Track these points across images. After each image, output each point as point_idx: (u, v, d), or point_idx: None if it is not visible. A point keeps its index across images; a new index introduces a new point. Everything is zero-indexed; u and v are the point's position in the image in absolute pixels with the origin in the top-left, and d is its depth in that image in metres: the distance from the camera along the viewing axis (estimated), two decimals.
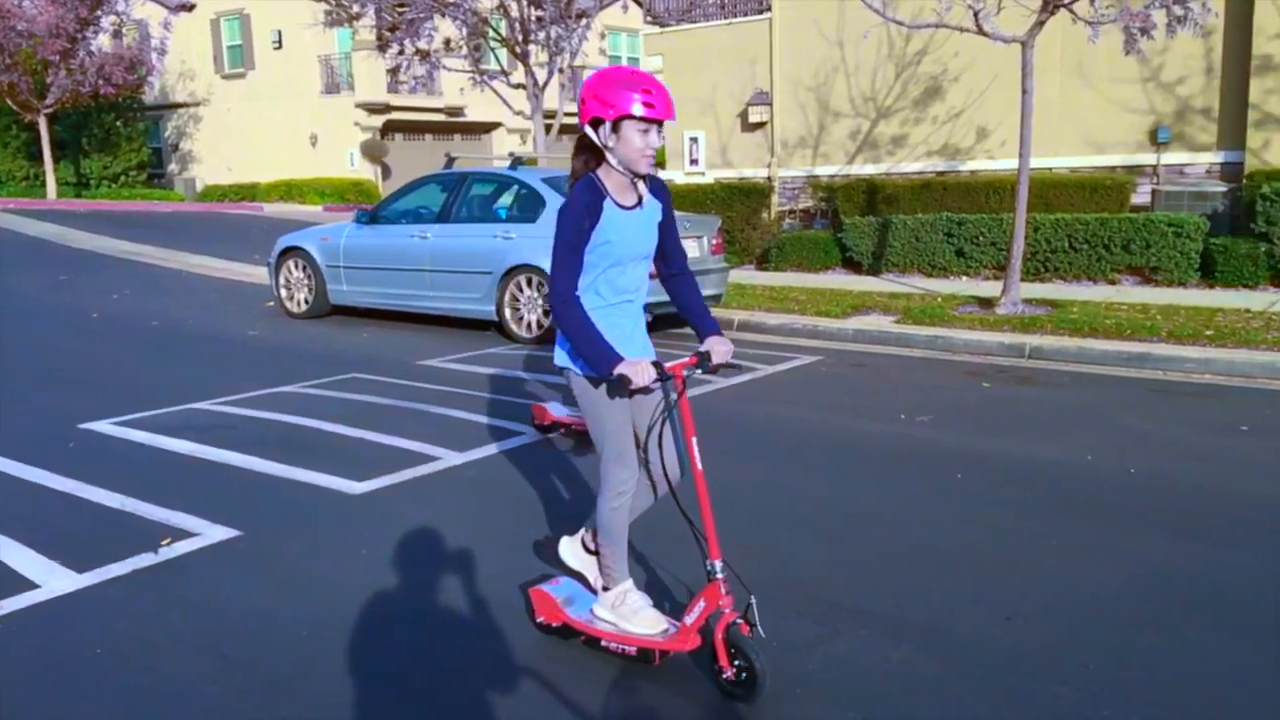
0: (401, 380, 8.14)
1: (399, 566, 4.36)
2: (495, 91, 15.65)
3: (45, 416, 7.06)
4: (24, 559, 4.46)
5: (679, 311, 3.55)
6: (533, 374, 8.36)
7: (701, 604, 3.25)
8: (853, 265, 14.32)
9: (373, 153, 29.80)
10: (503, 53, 16.01)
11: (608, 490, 3.37)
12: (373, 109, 29.50)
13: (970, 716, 3.11)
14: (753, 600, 3.18)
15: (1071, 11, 9.91)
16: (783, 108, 17.11)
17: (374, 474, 5.61)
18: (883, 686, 3.28)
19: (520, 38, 15.35)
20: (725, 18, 18.67)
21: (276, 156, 31.20)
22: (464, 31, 15.63)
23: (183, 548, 4.59)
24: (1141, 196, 13.81)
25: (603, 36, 31.31)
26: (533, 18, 15.45)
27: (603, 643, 3.42)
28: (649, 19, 19.86)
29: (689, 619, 3.28)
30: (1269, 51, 12.84)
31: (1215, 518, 4.80)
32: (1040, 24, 10.00)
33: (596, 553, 3.63)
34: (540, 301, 9.97)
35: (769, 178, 17.19)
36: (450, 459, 5.92)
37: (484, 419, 6.82)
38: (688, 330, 10.70)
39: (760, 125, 17.39)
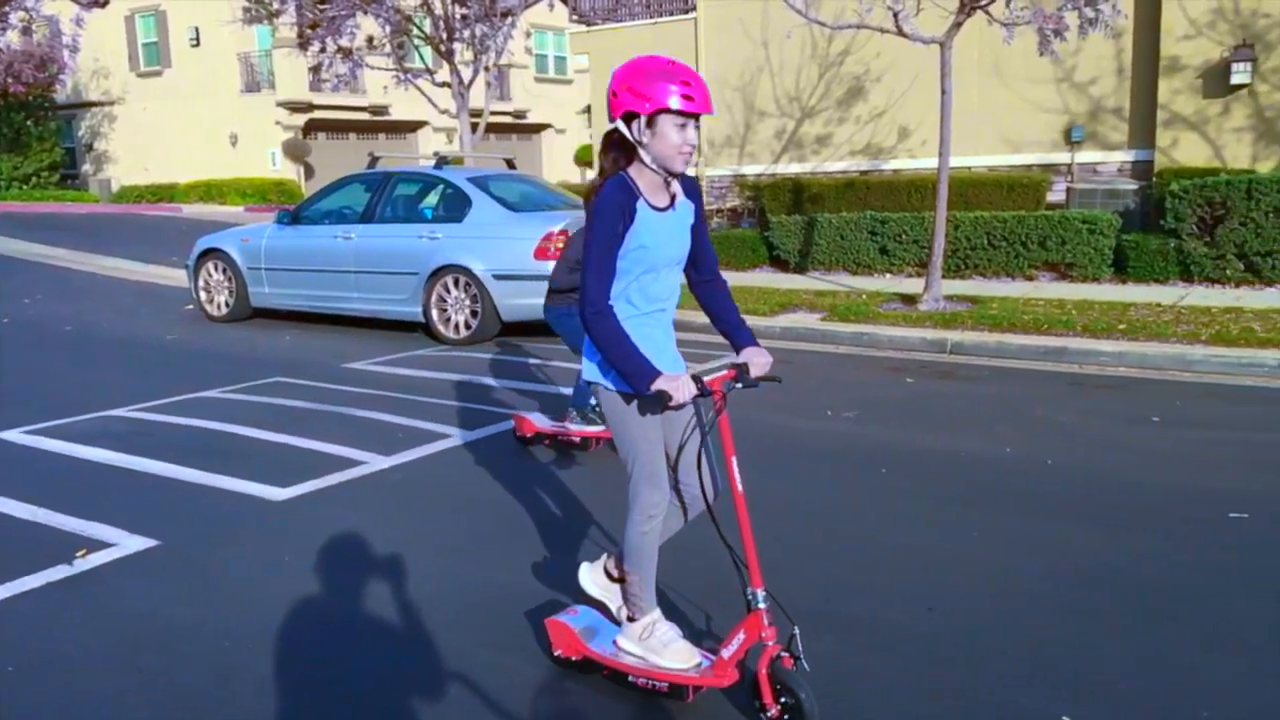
0: (326, 384, 8.02)
1: (324, 573, 4.29)
2: (420, 90, 15.50)
3: None
4: None
5: (712, 321, 3.31)
6: (461, 375, 8.30)
7: (741, 636, 3.03)
8: (780, 263, 14.47)
9: (295, 152, 29.29)
10: (427, 51, 15.86)
11: (637, 513, 3.13)
12: (295, 108, 28.99)
13: (892, 707, 3.17)
14: (796, 631, 2.97)
15: (987, 13, 10.13)
16: None
17: (297, 480, 5.52)
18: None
19: (445, 36, 15.22)
20: (651, 17, 18.73)
21: (195, 156, 30.49)
22: (387, 29, 15.44)
23: (99, 559, 4.47)
24: (1057, 194, 14.18)
25: (528, 35, 31.15)
26: (457, 16, 15.33)
27: (630, 678, 3.20)
28: (575, 18, 19.81)
29: (727, 652, 3.06)
30: (1176, 53, 13.27)
31: (1127, 506, 4.94)
32: (958, 25, 10.20)
33: (621, 580, 3.36)
34: (468, 302, 9.90)
35: (696, 177, 17.26)
36: (376, 463, 5.85)
37: (411, 422, 6.75)
38: None
39: None
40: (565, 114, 36.18)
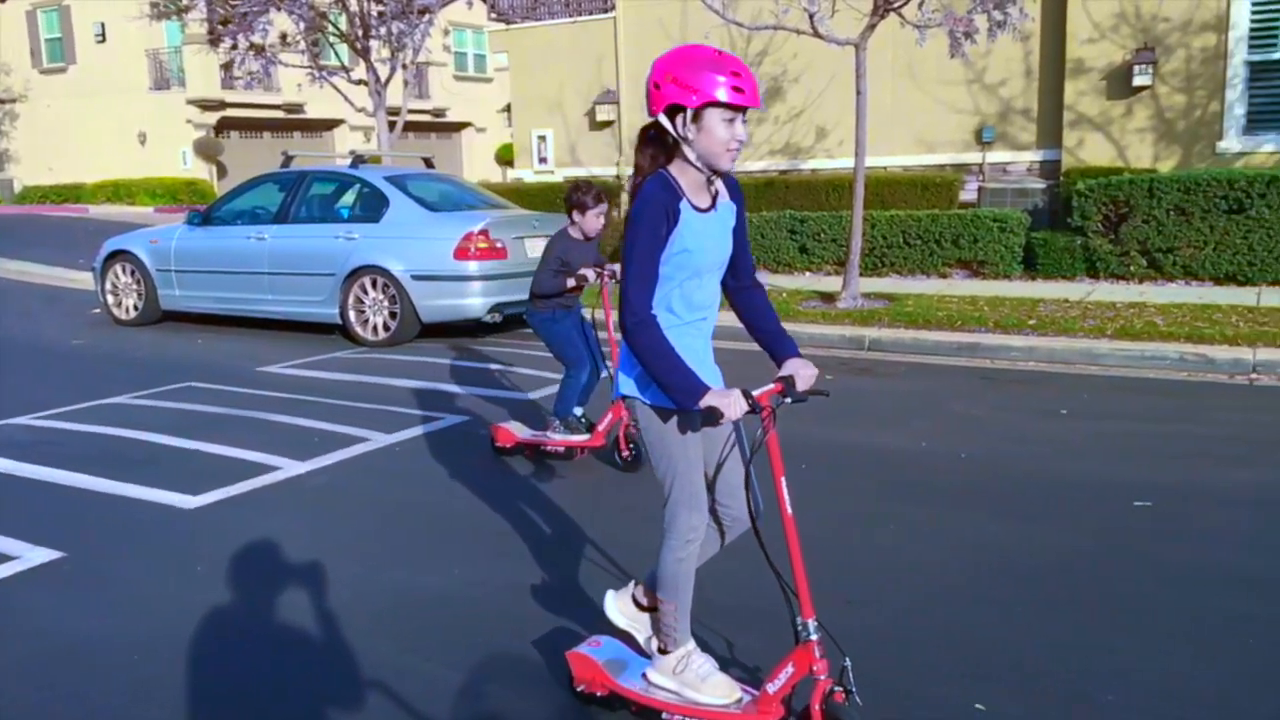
0: (239, 388, 7.85)
1: (238, 583, 4.20)
2: (335, 88, 15.25)
3: None
4: None
5: (749, 330, 3.10)
6: (380, 377, 8.18)
7: (790, 669, 2.81)
8: None
9: (207, 151, 28.58)
10: (343, 48, 15.60)
11: (675, 538, 2.93)
12: (206, 106, 28.29)
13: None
14: (847, 663, 2.77)
15: (900, 15, 10.31)
16: (630, 106, 17.24)
17: (210, 487, 5.39)
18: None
19: (360, 33, 15.00)
20: (571, 16, 18.70)
21: (103, 156, 29.55)
22: (301, 26, 15.16)
23: (1, 573, 4.32)
24: (969, 193, 14.51)
25: (446, 33, 30.80)
26: (373, 13, 15.11)
27: (663, 715, 3.01)
28: (494, 16, 19.70)
29: (772, 686, 2.85)
30: (1081, 55, 13.67)
31: (1037, 497, 5.08)
32: (871, 27, 10.36)
33: (652, 609, 3.16)
34: (386, 303, 9.77)
35: (618, 176, 17.30)
36: (292, 468, 5.74)
37: (328, 426, 6.63)
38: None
39: (608, 124, 17.48)
40: (486, 112, 35.90)
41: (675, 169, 2.81)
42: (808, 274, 13.52)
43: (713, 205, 2.87)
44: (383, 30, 15.20)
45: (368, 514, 5.05)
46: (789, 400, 2.82)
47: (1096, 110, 13.66)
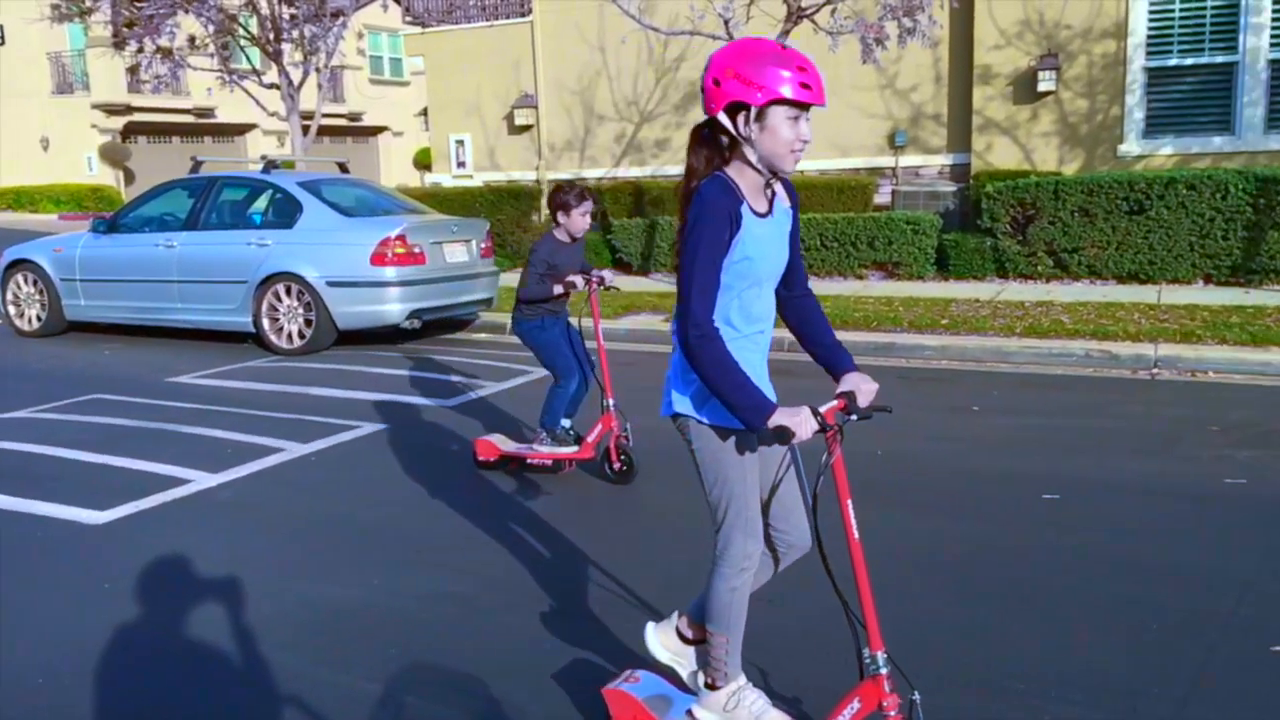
0: (149, 400, 7.64)
1: (148, 600, 4.09)
2: (247, 92, 14.95)
3: None
4: None
5: (802, 343, 2.92)
6: (295, 386, 8.03)
7: (856, 704, 2.63)
8: (623, 265, 14.58)
9: (114, 156, 27.78)
10: (255, 51, 15.30)
11: (728, 566, 2.76)
12: (112, 110, 27.49)
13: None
14: (916, 697, 2.58)
15: (813, 21, 10.48)
16: (549, 110, 17.21)
17: (118, 502, 5.24)
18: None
19: (272, 36, 14.72)
20: (487, 19, 18.59)
21: (3, 162, 28.53)
22: (210, 29, 14.83)
23: None
24: (883, 196, 14.78)
25: (360, 36, 30.49)
26: (285, 16, 14.84)
27: None
28: (409, 19, 19.48)
29: None
30: (988, 62, 14.03)
31: (950, 492, 5.20)
32: (786, 33, 10.51)
33: (698, 642, 2.98)
34: (301, 311, 9.59)
35: (538, 180, 17.25)
36: (203, 481, 5.60)
37: (241, 437, 6.49)
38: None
39: (527, 128, 17.42)
40: (403, 116, 35.52)
41: (733, 171, 2.62)
42: None
43: (770, 210, 2.70)
44: (295, 33, 14.95)
45: (284, 526, 4.95)
46: (854, 418, 2.64)
47: (1004, 115, 14.03)
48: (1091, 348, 8.30)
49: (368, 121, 34.24)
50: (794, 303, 2.89)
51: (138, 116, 27.92)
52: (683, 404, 2.75)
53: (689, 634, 3.02)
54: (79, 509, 5.14)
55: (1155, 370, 7.93)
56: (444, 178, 18.18)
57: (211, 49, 15.29)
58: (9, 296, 11.08)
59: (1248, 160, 12.32)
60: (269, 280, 9.66)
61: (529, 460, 5.61)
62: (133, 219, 10.75)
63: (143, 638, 3.76)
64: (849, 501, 2.62)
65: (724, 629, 2.80)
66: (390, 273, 9.45)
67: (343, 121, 32.63)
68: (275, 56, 14.70)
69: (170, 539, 4.74)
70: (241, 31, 15.11)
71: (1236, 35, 12.51)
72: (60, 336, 10.92)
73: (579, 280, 5.39)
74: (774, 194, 2.70)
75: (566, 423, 5.61)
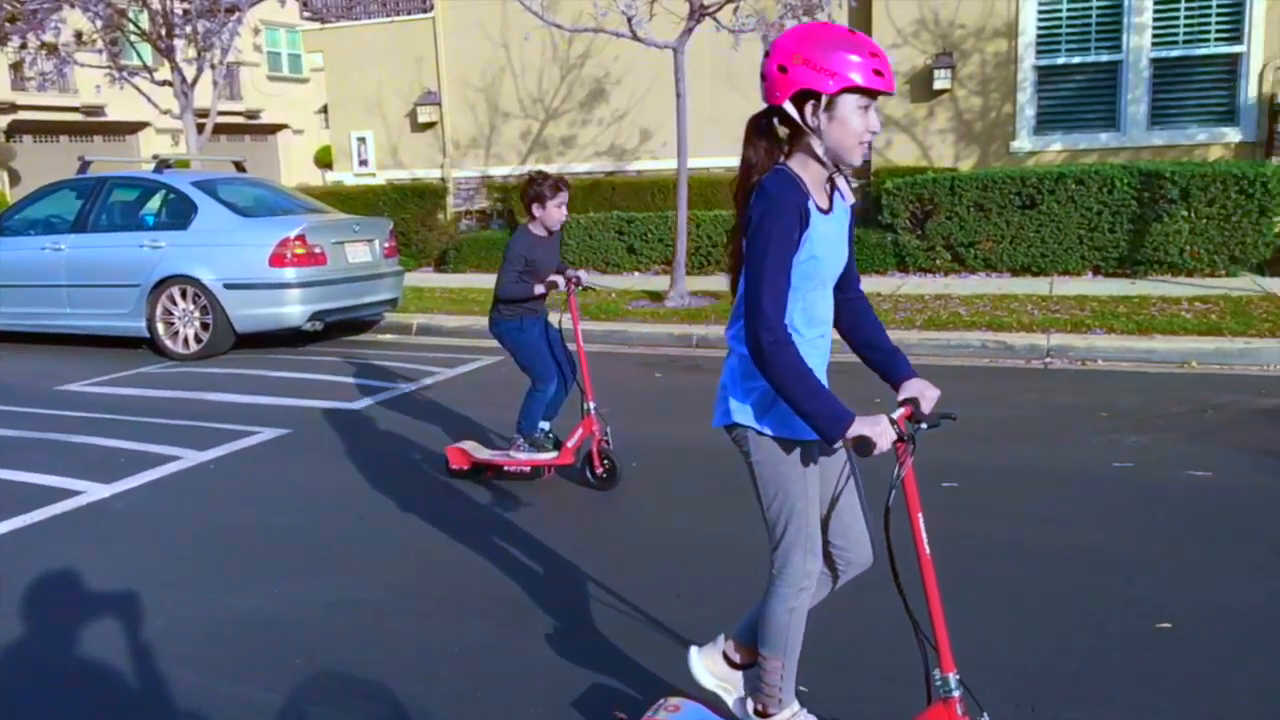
0: (36, 409, 7.35)
1: (36, 618, 3.93)
2: (138, 89, 14.46)
3: None
4: None
5: (855, 348, 2.74)
6: (192, 392, 7.81)
7: None
8: None
9: None
10: (146, 48, 14.82)
11: (786, 585, 2.60)
12: None
13: (631, 698, 3.24)
14: (986, 718, 2.48)
15: (715, 20, 10.56)
16: (453, 108, 17.03)
17: (4, 516, 5.04)
18: (565, 675, 3.36)
19: (164, 32, 14.27)
20: (388, 15, 18.30)
21: None
22: (98, 24, 14.31)
23: None
24: None
25: (257, 32, 29.68)
26: (177, 11, 14.39)
27: None
28: (307, 15, 19.07)
29: None
30: None
31: None
32: (688, 31, 10.57)
33: (745, 666, 2.84)
34: (197, 314, 9.33)
35: (443, 178, 17.06)
36: (95, 492, 5.41)
37: (135, 445, 6.29)
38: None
39: (431, 125, 17.21)
40: (302, 114, 34.75)
41: (796, 164, 2.44)
42: (636, 274, 13.67)
43: (831, 206, 2.52)
44: (188, 29, 14.52)
45: (181, 536, 4.81)
46: (924, 426, 2.49)
47: (902, 112, 14.33)
48: (988, 339, 8.55)
49: (266, 119, 33.43)
50: (848, 305, 2.71)
51: (22, 115, 26.80)
52: (742, 414, 2.57)
53: (736, 658, 2.86)
54: None
55: (1048, 360, 8.20)
56: (346, 176, 17.86)
57: (100, 45, 14.77)
58: None
59: (1132, 155, 12.81)
60: (163, 283, 9.37)
61: (506, 468, 5.42)
62: (17, 221, 10.35)
63: (31, 658, 3.61)
64: (919, 515, 2.46)
65: (779, 653, 2.65)
66: (290, 274, 9.25)
67: (240, 119, 31.80)
68: (167, 53, 14.26)
69: (61, 553, 4.56)
70: (131, 27, 14.62)
71: (1120, 35, 12.98)
72: None
73: (560, 281, 5.23)
74: (834, 189, 2.53)
75: (545, 425, 5.47)
